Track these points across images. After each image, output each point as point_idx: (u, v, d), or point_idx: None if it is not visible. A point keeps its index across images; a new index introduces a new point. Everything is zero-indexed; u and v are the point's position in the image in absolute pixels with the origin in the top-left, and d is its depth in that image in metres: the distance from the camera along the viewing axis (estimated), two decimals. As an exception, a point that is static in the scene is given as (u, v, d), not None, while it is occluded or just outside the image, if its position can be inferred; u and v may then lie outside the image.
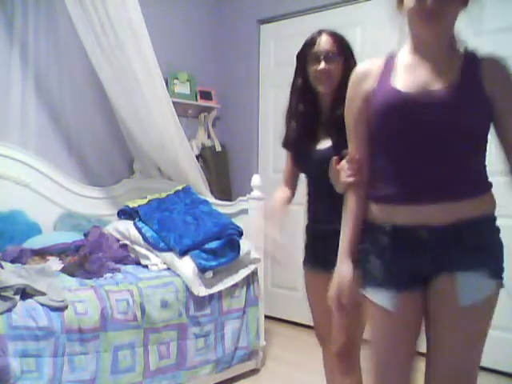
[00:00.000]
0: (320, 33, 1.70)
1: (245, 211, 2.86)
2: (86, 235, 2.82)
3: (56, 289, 2.08)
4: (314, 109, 1.73)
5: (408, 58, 1.26)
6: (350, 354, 1.69)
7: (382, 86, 1.25)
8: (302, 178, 1.84)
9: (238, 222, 2.74)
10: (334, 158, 1.44)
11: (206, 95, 3.91)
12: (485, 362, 3.01)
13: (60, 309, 1.99)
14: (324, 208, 1.70)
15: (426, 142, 1.19)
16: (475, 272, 1.18)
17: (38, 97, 3.08)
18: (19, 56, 2.99)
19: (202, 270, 2.47)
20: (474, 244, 1.19)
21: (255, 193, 2.85)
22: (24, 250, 2.55)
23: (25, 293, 1.98)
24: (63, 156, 3.22)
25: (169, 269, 2.55)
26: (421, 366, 1.30)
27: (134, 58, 2.88)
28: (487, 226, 1.23)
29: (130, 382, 2.21)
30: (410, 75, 1.23)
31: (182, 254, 2.52)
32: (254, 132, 3.95)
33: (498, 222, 1.25)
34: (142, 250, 2.67)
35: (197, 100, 3.85)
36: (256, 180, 2.88)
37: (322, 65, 1.65)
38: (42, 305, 1.97)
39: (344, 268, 1.33)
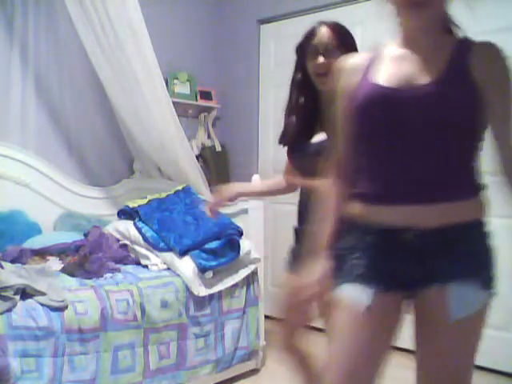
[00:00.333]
0: (320, 24, 1.63)
1: (245, 211, 2.86)
2: (85, 235, 2.82)
3: (56, 289, 2.08)
4: (314, 104, 1.67)
5: (396, 50, 1.20)
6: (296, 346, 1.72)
7: (365, 81, 1.19)
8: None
9: (238, 222, 2.74)
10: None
11: (206, 95, 3.91)
12: (485, 362, 3.01)
13: (60, 309, 1.99)
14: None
15: (409, 139, 1.11)
16: (466, 283, 1.11)
17: (38, 97, 3.08)
18: (19, 56, 2.98)
19: (202, 269, 2.47)
20: (463, 251, 1.12)
21: (255, 193, 2.84)
22: (24, 250, 2.55)
23: (25, 293, 1.98)
24: (63, 156, 3.22)
25: (169, 269, 2.55)
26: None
27: (134, 58, 2.88)
28: (478, 232, 1.15)
29: (130, 381, 2.21)
30: (394, 68, 1.16)
31: (182, 254, 2.52)
32: (254, 132, 3.95)
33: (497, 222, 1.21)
34: (142, 250, 2.67)
35: (197, 100, 3.85)
36: (256, 180, 2.88)
37: (321, 59, 1.59)
38: (42, 305, 1.97)
39: (323, 265, 1.24)
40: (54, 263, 2.53)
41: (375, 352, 1.18)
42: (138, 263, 2.66)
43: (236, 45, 4.01)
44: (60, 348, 1.96)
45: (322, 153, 1.43)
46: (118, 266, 2.51)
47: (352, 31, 1.69)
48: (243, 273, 2.67)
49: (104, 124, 3.34)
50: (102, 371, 2.10)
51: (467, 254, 1.12)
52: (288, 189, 1.89)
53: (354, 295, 1.17)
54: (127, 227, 2.77)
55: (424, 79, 1.11)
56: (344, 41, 1.62)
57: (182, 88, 3.75)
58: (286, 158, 1.82)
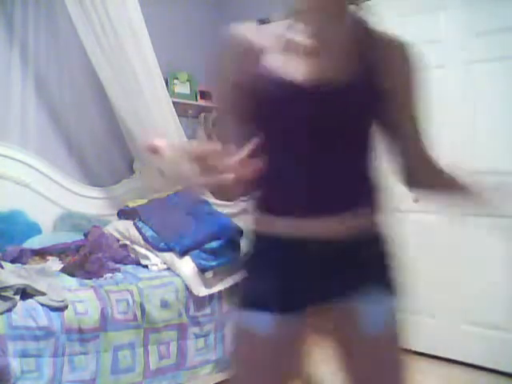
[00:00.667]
0: None
1: (245, 211, 2.86)
2: (85, 235, 2.82)
3: (56, 289, 2.08)
4: None
5: (292, 35, 1.04)
6: None
7: (263, 69, 1.02)
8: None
9: (238, 222, 2.74)
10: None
11: (206, 95, 3.91)
12: (485, 361, 3.01)
13: (60, 309, 2.00)
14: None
15: (301, 143, 1.01)
16: (371, 293, 1.03)
17: (38, 97, 3.08)
18: (19, 56, 2.98)
19: (202, 270, 2.47)
20: (365, 262, 1.03)
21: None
22: (24, 250, 2.55)
23: (25, 293, 1.98)
24: (63, 156, 3.22)
25: (169, 269, 2.55)
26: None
27: (134, 58, 2.88)
28: (377, 240, 1.07)
29: (130, 382, 2.21)
30: (294, 61, 1.02)
31: (182, 254, 2.52)
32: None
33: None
34: (142, 250, 2.67)
35: (197, 100, 3.84)
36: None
37: None
38: (42, 305, 1.97)
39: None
40: (54, 263, 2.53)
41: (283, 380, 1.10)
42: (137, 263, 2.66)
43: (236, 45, 4.00)
44: (60, 348, 1.96)
45: None
46: (117, 266, 2.51)
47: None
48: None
49: (104, 124, 3.33)
50: (102, 371, 2.10)
51: (369, 263, 1.04)
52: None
53: (253, 322, 1.05)
54: (127, 227, 2.77)
55: (326, 75, 0.99)
56: None
57: (182, 88, 3.75)
58: None
